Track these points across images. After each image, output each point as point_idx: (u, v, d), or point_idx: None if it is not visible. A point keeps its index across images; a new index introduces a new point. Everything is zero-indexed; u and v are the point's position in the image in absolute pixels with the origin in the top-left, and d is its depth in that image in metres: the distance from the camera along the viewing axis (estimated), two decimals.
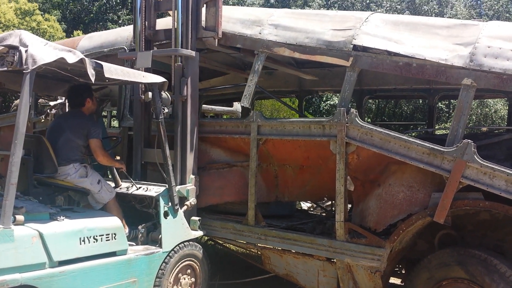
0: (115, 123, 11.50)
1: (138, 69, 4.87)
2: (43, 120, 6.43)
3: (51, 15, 22.88)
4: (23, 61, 3.38)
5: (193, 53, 5.05)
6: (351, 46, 4.58)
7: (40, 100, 7.30)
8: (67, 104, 5.66)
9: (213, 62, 6.32)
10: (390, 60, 4.45)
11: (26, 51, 3.40)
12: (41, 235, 3.51)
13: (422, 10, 18.29)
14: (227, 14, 5.30)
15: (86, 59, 3.72)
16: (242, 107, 5.43)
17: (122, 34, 6.13)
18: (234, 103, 10.82)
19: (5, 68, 3.44)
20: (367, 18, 4.77)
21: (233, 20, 5.32)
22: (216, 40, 5.19)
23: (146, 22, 5.29)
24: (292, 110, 17.26)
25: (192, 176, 5.09)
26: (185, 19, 5.05)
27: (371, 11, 4.99)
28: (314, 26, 4.91)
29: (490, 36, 4.20)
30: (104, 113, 9.65)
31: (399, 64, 4.41)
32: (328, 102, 18.60)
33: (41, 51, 3.48)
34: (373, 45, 4.50)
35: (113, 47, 5.95)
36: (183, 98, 5.04)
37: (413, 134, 7.13)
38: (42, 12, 22.59)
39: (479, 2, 21.59)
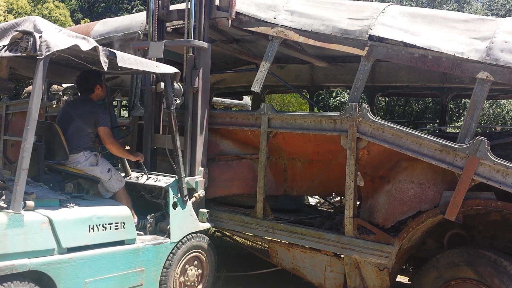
0: (124, 113, 11.53)
1: (150, 59, 4.86)
2: (54, 106, 6.44)
3: (60, 2, 22.93)
4: (37, 47, 3.38)
5: (205, 44, 5.03)
6: (367, 35, 4.55)
7: (53, 86, 7.31)
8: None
9: (226, 46, 6.26)
10: (406, 51, 4.41)
11: (40, 37, 3.39)
12: (50, 221, 3.52)
13: (443, 8, 18.12)
14: None
15: (100, 47, 3.70)
16: (253, 92, 5.39)
17: (137, 19, 6.10)
18: (243, 96, 10.81)
19: (19, 54, 3.43)
20: (384, 9, 4.74)
21: (248, 2, 5.29)
22: (230, 20, 5.13)
23: (160, 1, 5.29)
24: (303, 105, 17.28)
25: (201, 168, 5.08)
26: None
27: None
28: (330, 14, 4.88)
29: (508, 31, 4.16)
30: (114, 103, 9.66)
31: (415, 55, 4.37)
32: (338, 98, 18.51)
33: (55, 37, 3.47)
34: (389, 36, 4.47)
35: (128, 31, 5.95)
36: (194, 90, 5.02)
37: (423, 132, 7.06)
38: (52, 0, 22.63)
39: (491, 1, 21.40)
